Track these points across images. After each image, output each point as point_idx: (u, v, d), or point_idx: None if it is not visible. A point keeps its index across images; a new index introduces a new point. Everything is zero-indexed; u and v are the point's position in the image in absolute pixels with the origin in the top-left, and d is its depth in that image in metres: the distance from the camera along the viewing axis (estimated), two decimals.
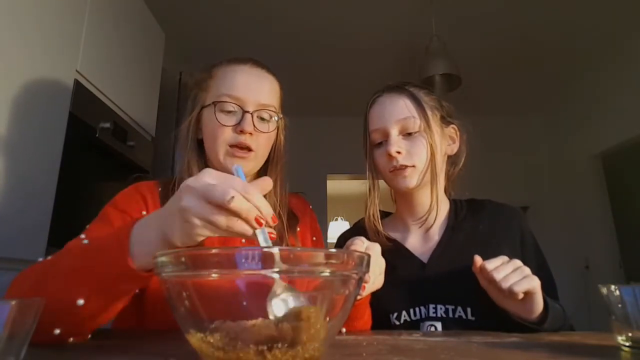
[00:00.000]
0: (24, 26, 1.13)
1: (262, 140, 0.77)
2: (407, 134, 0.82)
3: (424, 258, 0.83)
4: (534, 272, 0.64)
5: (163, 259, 0.35)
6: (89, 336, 0.54)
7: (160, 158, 2.05)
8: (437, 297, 0.78)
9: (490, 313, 0.69)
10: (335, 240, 0.94)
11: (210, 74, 0.80)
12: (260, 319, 0.34)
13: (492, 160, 3.84)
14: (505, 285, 0.62)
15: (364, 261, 0.37)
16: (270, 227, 0.45)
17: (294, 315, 0.34)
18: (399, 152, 0.80)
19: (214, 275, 0.33)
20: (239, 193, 0.41)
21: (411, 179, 0.81)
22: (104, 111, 1.51)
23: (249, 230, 0.43)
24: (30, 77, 1.15)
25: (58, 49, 1.28)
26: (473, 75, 3.18)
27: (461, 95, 2.92)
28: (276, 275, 0.33)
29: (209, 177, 0.44)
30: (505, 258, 0.66)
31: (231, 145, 0.74)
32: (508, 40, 2.97)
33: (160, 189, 0.76)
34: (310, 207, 0.95)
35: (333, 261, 0.34)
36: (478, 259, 0.67)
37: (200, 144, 0.80)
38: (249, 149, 0.75)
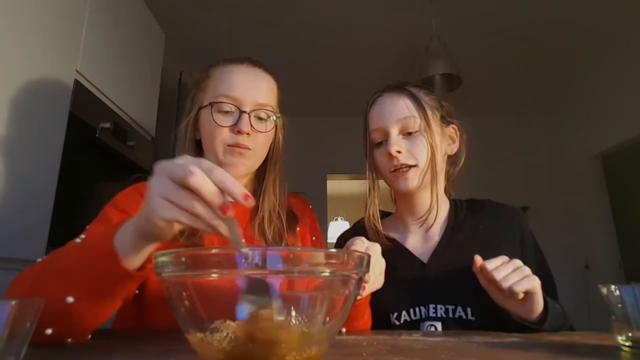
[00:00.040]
0: (24, 26, 1.13)
1: (260, 140, 0.77)
2: (407, 134, 0.82)
3: (424, 258, 0.83)
4: (534, 272, 0.64)
5: (163, 259, 0.35)
6: (89, 336, 0.54)
7: (160, 158, 2.04)
8: (437, 297, 0.78)
9: (491, 313, 0.69)
10: (335, 240, 0.94)
11: (207, 74, 0.80)
12: None
13: (492, 160, 3.84)
14: (505, 285, 0.62)
15: (364, 261, 0.37)
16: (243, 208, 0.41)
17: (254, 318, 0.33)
18: (399, 152, 0.80)
19: (214, 275, 0.33)
20: (201, 170, 0.39)
21: (412, 180, 0.81)
22: (104, 111, 1.51)
23: (213, 218, 0.40)
24: (30, 77, 1.15)
25: (58, 49, 1.28)
26: (473, 75, 3.18)
27: (461, 95, 2.92)
28: (276, 276, 0.33)
29: (181, 160, 0.42)
30: (505, 258, 0.66)
31: (229, 145, 0.74)
32: (508, 40, 2.97)
33: None
34: (310, 207, 0.95)
35: (333, 261, 0.34)
36: (478, 259, 0.67)
37: (198, 145, 0.80)
38: (247, 148, 0.75)
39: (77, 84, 1.35)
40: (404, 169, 0.81)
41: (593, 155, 3.48)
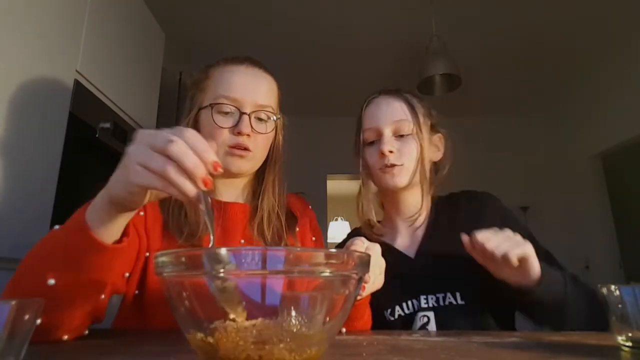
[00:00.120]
0: (24, 26, 1.13)
1: (260, 141, 0.77)
2: (399, 136, 0.86)
3: (412, 254, 0.87)
4: None
5: (163, 259, 0.35)
6: (86, 332, 0.54)
7: None
8: (426, 288, 0.81)
9: (478, 294, 0.73)
10: (335, 240, 0.95)
11: (207, 74, 0.80)
12: (260, 319, 0.34)
13: (492, 160, 3.84)
14: (498, 253, 0.63)
15: (364, 261, 0.37)
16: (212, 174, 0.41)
17: None
18: (391, 152, 0.84)
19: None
20: (181, 139, 0.40)
21: (400, 178, 0.84)
22: (104, 111, 1.51)
23: (187, 186, 0.40)
24: (30, 77, 1.15)
25: (58, 49, 1.28)
26: (473, 75, 3.18)
27: (461, 95, 2.93)
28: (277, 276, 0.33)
29: (161, 130, 0.43)
30: (495, 229, 0.68)
31: (229, 147, 0.74)
32: (508, 40, 2.97)
33: None
34: (310, 207, 0.95)
35: (333, 261, 0.34)
36: (465, 237, 0.68)
37: None
38: (247, 149, 0.75)
39: (77, 84, 1.35)
40: (393, 167, 0.84)
41: (593, 155, 3.48)
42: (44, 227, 1.18)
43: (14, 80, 1.09)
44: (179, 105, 2.35)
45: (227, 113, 0.75)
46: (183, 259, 0.33)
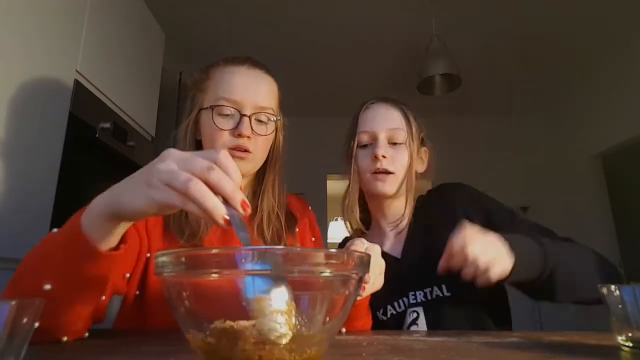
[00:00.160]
0: (24, 26, 1.13)
1: (260, 143, 0.77)
2: (392, 143, 0.89)
3: (397, 254, 0.90)
4: (509, 225, 0.75)
5: (163, 259, 0.35)
6: (86, 334, 0.54)
7: None
8: (413, 284, 0.84)
9: (463, 284, 0.72)
10: (335, 241, 0.96)
11: (207, 74, 0.79)
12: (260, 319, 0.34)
13: (492, 160, 3.84)
14: (478, 282, 0.66)
15: (364, 261, 0.37)
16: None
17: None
18: (384, 157, 0.87)
19: (213, 275, 0.33)
20: (217, 165, 0.40)
21: (390, 185, 0.88)
22: (104, 111, 1.51)
23: (221, 209, 0.39)
24: (30, 77, 1.15)
25: (58, 49, 1.28)
26: (473, 75, 3.18)
27: (461, 95, 2.93)
28: (275, 276, 0.33)
29: (189, 153, 0.42)
30: (453, 247, 0.67)
31: (230, 149, 0.74)
32: (508, 40, 2.97)
33: None
34: (310, 207, 0.95)
35: (333, 261, 0.34)
36: (441, 267, 0.69)
37: (199, 145, 0.80)
38: (247, 151, 0.75)
39: (77, 84, 1.35)
40: (385, 174, 0.87)
41: (593, 155, 3.48)
42: (44, 227, 1.18)
43: (14, 80, 1.09)
44: (179, 105, 2.35)
45: (227, 115, 0.75)
46: (183, 259, 0.33)
